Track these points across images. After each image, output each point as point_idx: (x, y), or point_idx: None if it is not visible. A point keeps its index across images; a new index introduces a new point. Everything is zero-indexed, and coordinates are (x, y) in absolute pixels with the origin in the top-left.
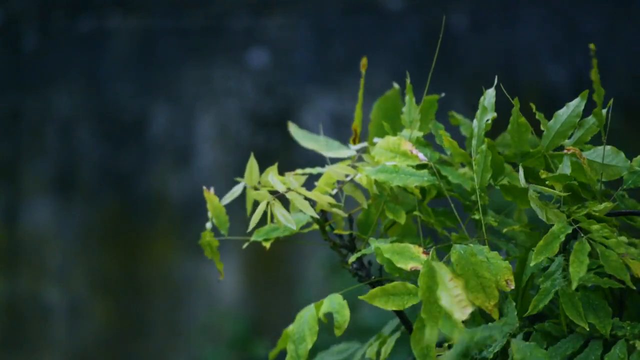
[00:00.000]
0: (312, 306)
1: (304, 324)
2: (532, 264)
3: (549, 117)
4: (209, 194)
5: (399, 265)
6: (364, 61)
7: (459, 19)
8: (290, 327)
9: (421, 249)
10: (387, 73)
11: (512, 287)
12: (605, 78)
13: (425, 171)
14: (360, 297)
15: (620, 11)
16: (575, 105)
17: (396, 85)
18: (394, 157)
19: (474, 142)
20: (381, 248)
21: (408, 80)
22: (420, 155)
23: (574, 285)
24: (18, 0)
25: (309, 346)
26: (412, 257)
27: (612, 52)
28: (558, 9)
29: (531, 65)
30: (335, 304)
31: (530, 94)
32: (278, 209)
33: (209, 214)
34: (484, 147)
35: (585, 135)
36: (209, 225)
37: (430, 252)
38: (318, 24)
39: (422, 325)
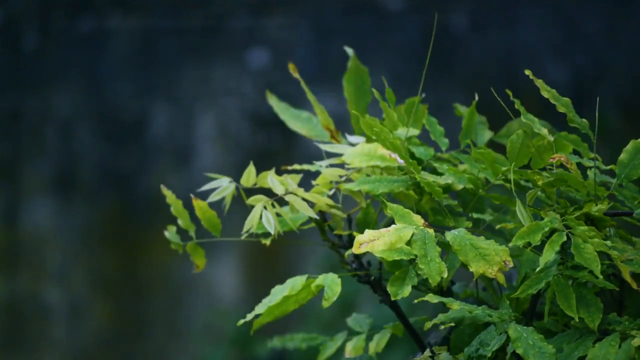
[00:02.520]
0: (304, 276)
1: (288, 284)
2: (511, 245)
3: (548, 116)
4: (196, 201)
5: (398, 223)
6: (291, 67)
7: (458, 19)
8: (276, 286)
9: (422, 220)
10: (387, 73)
11: (510, 265)
12: (605, 78)
13: (408, 176)
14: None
15: (620, 11)
16: (521, 139)
17: (350, 51)
18: (370, 160)
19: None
20: (388, 205)
21: (387, 88)
22: (399, 159)
23: (540, 268)
24: (18, 0)
25: (284, 294)
26: (412, 222)
27: (612, 52)
28: (558, 9)
29: (531, 65)
30: (329, 279)
31: (530, 94)
32: (265, 213)
33: (173, 211)
34: (424, 175)
35: (541, 160)
36: (180, 222)
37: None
38: (318, 24)
39: (403, 275)
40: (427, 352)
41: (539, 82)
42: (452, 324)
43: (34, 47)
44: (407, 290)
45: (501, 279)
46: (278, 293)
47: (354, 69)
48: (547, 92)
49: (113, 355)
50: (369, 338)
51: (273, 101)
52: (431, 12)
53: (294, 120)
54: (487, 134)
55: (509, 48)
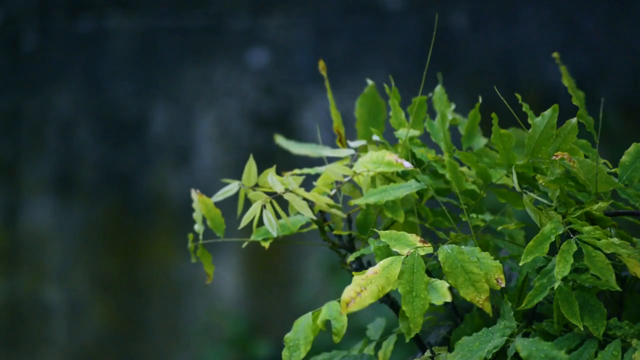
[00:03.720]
0: (309, 314)
1: (300, 332)
2: (521, 264)
3: None
4: (202, 197)
5: (395, 249)
6: (321, 64)
7: (458, 19)
8: (288, 334)
9: (419, 238)
10: (387, 73)
11: (503, 285)
12: (605, 78)
13: (412, 180)
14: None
15: (620, 11)
16: (549, 116)
17: (370, 81)
18: (377, 167)
19: (443, 147)
20: (379, 233)
21: (392, 84)
22: (406, 164)
23: (557, 284)
24: (18, 0)
25: (302, 355)
26: (408, 243)
27: (612, 52)
28: (558, 8)
29: (531, 65)
30: (332, 311)
31: (530, 93)
32: (266, 213)
33: (195, 215)
34: (449, 158)
35: (564, 143)
36: (197, 227)
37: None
38: (318, 24)
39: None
40: (427, 352)
41: (563, 69)
42: (451, 323)
43: (34, 47)
44: (418, 325)
45: (487, 308)
46: (295, 349)
47: (371, 96)
48: (567, 80)
49: (113, 355)
50: (377, 347)
51: (281, 140)
52: (431, 12)
53: (300, 148)
54: (482, 141)
55: (509, 48)
